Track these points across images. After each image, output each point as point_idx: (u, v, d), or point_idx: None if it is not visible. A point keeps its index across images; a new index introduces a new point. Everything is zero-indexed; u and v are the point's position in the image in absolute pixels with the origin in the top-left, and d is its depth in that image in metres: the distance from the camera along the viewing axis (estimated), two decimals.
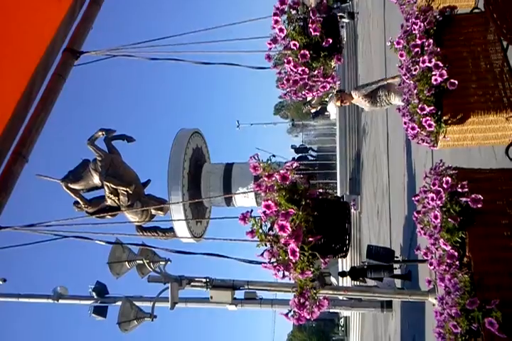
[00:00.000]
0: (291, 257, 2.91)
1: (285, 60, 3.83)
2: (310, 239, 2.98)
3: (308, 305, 3.07)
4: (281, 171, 3.08)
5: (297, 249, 2.90)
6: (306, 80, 3.92)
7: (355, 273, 12.00)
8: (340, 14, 24.52)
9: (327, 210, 3.28)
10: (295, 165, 3.16)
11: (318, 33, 3.76)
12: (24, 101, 2.63)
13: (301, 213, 3.00)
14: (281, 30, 3.80)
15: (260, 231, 3.04)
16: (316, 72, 3.87)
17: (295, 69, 3.81)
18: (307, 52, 3.75)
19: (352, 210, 4.18)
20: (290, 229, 2.91)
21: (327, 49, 3.84)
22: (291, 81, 3.93)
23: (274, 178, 3.07)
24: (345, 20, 25.35)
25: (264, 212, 3.03)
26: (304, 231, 2.97)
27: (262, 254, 3.04)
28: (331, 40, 3.82)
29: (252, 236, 3.07)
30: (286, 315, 3.16)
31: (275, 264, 2.98)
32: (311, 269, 3.01)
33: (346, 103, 6.82)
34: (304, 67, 3.81)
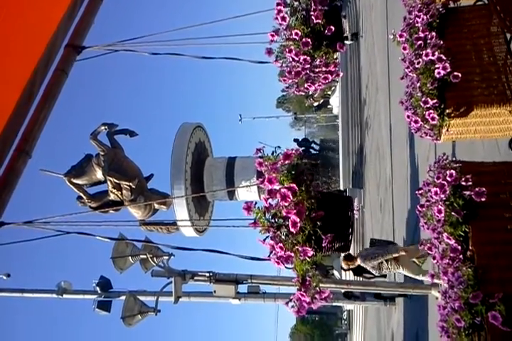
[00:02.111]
0: (292, 229, 2.92)
1: (287, 50, 3.80)
2: (313, 214, 3.00)
3: (309, 292, 3.08)
4: (285, 150, 3.11)
5: (298, 219, 2.90)
6: (308, 71, 3.88)
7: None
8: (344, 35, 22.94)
9: (330, 203, 3.28)
10: (300, 151, 3.20)
11: (320, 21, 3.73)
12: (26, 97, 2.63)
13: (304, 191, 3.01)
14: (283, 18, 3.77)
15: (263, 218, 3.05)
16: (318, 61, 3.83)
17: (297, 58, 3.77)
18: (309, 40, 3.72)
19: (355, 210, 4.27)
20: (292, 200, 2.92)
21: (329, 38, 3.81)
22: (293, 72, 3.90)
23: (278, 165, 3.09)
24: (349, 42, 23.61)
25: (268, 185, 3.03)
26: (307, 210, 2.98)
27: (264, 240, 3.06)
28: (333, 28, 3.78)
29: (255, 227, 3.08)
30: (287, 303, 3.18)
31: (278, 244, 2.99)
32: (312, 247, 3.01)
33: (352, 265, 7.43)
34: (305, 56, 3.77)
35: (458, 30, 4.09)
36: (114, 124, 13.02)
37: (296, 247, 2.98)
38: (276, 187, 3.02)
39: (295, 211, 2.91)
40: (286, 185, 2.98)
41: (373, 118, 20.25)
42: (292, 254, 2.99)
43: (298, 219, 2.91)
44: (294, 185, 2.97)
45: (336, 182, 24.99)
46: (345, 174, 23.37)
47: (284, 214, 2.96)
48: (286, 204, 2.93)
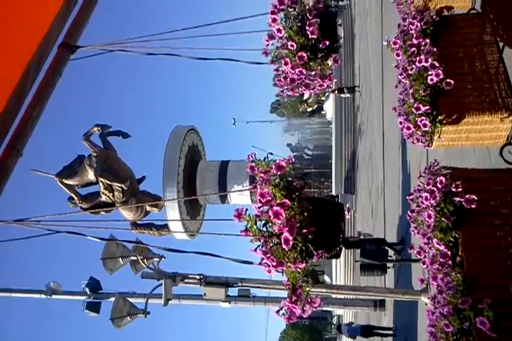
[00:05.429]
0: (284, 246, 2.91)
1: (283, 62, 3.83)
2: (304, 230, 3.00)
3: (300, 302, 3.07)
4: (277, 161, 3.10)
5: (290, 237, 2.90)
6: (304, 79, 3.92)
7: (348, 244, 11.94)
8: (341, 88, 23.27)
9: (322, 210, 3.29)
10: (293, 159, 3.19)
11: (315, 36, 3.76)
12: (17, 96, 2.62)
13: (296, 205, 3.01)
14: (279, 30, 3.80)
15: (254, 227, 3.04)
16: (313, 72, 3.88)
17: (292, 71, 3.82)
18: (304, 54, 3.74)
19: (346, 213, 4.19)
20: (284, 217, 2.92)
21: (324, 50, 3.84)
22: (288, 79, 3.93)
23: (270, 173, 3.09)
24: (345, 95, 23.71)
25: (259, 202, 3.03)
26: (299, 224, 2.98)
27: (255, 249, 3.05)
28: (328, 43, 3.81)
29: (247, 235, 3.07)
30: (278, 312, 3.16)
31: (268, 255, 2.99)
32: (304, 262, 3.01)
33: None
34: (301, 68, 3.81)
35: (451, 38, 4.12)
36: (107, 125, 12.98)
37: (288, 264, 2.98)
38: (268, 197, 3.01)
39: (287, 228, 2.91)
40: (278, 201, 2.98)
41: (366, 125, 20.34)
42: (283, 264, 2.99)
43: (290, 237, 2.91)
44: (287, 200, 2.98)
45: (328, 188, 25.06)
46: (337, 179, 23.47)
47: (277, 231, 2.96)
48: (279, 221, 2.94)
